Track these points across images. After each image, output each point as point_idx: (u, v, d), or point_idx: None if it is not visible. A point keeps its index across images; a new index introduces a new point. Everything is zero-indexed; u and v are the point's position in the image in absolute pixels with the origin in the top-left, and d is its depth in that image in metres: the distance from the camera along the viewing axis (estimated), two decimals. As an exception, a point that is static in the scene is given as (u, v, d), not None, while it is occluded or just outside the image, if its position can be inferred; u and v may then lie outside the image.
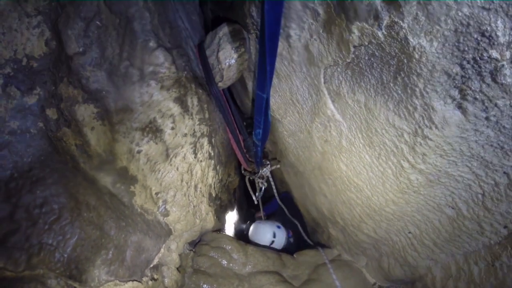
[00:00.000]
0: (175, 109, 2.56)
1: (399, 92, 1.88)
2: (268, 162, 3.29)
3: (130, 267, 2.36)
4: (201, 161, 2.72)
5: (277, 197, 3.77)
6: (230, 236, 3.53)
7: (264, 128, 2.56)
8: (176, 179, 2.60)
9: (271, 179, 3.26)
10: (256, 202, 3.85)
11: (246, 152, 3.16)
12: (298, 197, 4.02)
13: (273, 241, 3.96)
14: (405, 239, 2.83)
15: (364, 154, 2.42)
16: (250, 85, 3.22)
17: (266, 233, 3.92)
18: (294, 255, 3.78)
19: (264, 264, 3.62)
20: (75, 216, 2.13)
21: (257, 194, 3.49)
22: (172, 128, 2.55)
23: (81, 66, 2.32)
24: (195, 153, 2.66)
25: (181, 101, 2.58)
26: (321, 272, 3.72)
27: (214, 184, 2.95)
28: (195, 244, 3.63)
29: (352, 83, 2.18)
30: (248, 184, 3.45)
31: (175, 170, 2.60)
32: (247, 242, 4.12)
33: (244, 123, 3.24)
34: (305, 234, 4.33)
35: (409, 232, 2.74)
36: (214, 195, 3.01)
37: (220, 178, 3.04)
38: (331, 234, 3.62)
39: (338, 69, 2.24)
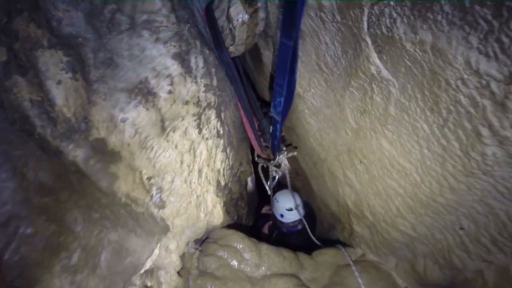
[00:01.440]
0: (174, 67, 1.64)
1: (489, 17, 0.97)
2: (284, 148, 2.39)
3: (106, 276, 1.37)
4: (207, 138, 1.75)
5: (289, 188, 2.78)
6: (241, 233, 2.54)
7: (287, 94, 1.62)
8: (175, 160, 1.62)
9: (287, 167, 2.33)
10: (269, 192, 2.89)
11: (261, 135, 2.26)
12: (315, 190, 3.07)
13: (298, 206, 2.85)
14: (454, 237, 1.83)
15: (421, 124, 1.47)
16: (266, 56, 2.28)
17: (295, 197, 2.81)
18: (313, 254, 2.78)
19: (280, 265, 2.61)
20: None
21: (269, 183, 2.54)
22: (170, 92, 1.62)
23: (52, 3, 1.45)
24: (199, 128, 1.69)
25: (182, 59, 1.65)
26: (344, 274, 2.69)
27: (223, 171, 1.97)
28: (202, 242, 2.67)
29: (413, 18, 1.24)
30: (260, 172, 2.51)
31: (173, 148, 1.63)
32: (260, 238, 3.14)
33: (260, 103, 2.33)
34: (317, 231, 3.34)
35: (461, 228, 1.75)
36: (223, 183, 2.01)
37: (230, 164, 2.10)
38: (354, 231, 2.63)
39: (391, 3, 1.32)
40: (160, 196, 1.63)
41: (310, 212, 3.33)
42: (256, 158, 2.31)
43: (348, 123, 1.82)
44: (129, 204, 1.55)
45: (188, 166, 1.64)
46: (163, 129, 1.59)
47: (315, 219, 3.37)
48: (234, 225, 2.80)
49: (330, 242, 3.06)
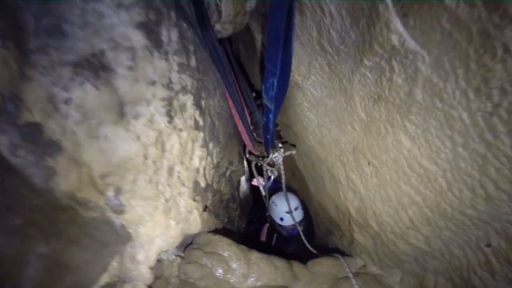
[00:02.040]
0: (138, 39, 1.17)
1: None
2: (280, 145, 1.91)
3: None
4: (180, 130, 1.27)
5: (284, 190, 2.29)
6: (228, 240, 2.06)
7: (281, 73, 1.14)
8: (136, 155, 1.14)
9: (282, 167, 1.85)
10: (263, 193, 2.41)
11: (254, 129, 1.80)
12: (313, 192, 2.58)
13: (296, 208, 2.39)
14: (476, 254, 1.34)
15: (459, 112, 0.98)
16: (259, 40, 1.83)
17: (293, 199, 2.35)
18: (308, 264, 2.29)
19: (271, 276, 2.12)
20: None
21: (263, 184, 2.05)
22: (130, 69, 1.15)
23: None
24: (169, 116, 1.22)
25: (149, 29, 1.17)
26: (342, 288, 2.22)
27: (204, 170, 1.48)
28: (186, 246, 2.20)
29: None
30: (254, 171, 2.03)
31: (134, 140, 1.14)
32: (255, 243, 2.66)
33: (254, 94, 1.86)
34: (312, 238, 2.86)
35: (488, 245, 1.27)
36: (203, 184, 1.52)
37: (215, 162, 1.63)
38: (355, 240, 2.14)
39: None
40: (118, 199, 1.17)
41: (307, 213, 2.86)
42: (247, 155, 1.82)
43: (356, 116, 1.33)
44: (73, 207, 1.08)
45: (154, 163, 1.17)
46: (121, 115, 1.13)
47: (312, 221, 2.88)
48: (223, 230, 2.32)
49: (327, 250, 2.56)
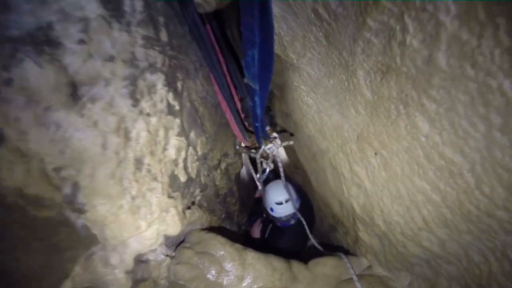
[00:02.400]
0: (92, 8, 0.92)
1: None
2: (275, 135, 1.57)
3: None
4: (148, 115, 1.02)
5: (283, 181, 2.01)
6: (222, 238, 1.81)
7: (262, 41, 0.87)
8: (94, 144, 0.91)
9: (279, 159, 1.57)
10: (259, 187, 2.04)
11: (245, 117, 1.51)
12: (315, 186, 2.30)
13: (287, 200, 2.08)
14: (501, 262, 1.01)
15: (499, 80, 0.68)
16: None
17: (289, 189, 2.01)
18: (309, 264, 2.02)
19: (268, 278, 1.86)
20: None
21: (258, 176, 1.77)
22: (82, 42, 0.91)
23: None
24: (134, 98, 0.97)
25: None
26: (346, 291, 1.94)
27: (184, 162, 1.22)
28: (177, 245, 1.98)
29: None
30: (249, 163, 1.75)
31: (90, 127, 0.90)
32: (251, 239, 2.43)
33: (245, 82, 1.55)
34: (315, 231, 2.55)
35: None
36: (184, 179, 1.24)
37: (200, 153, 1.36)
38: (360, 238, 1.85)
39: None
40: (77, 195, 0.94)
41: (306, 204, 2.53)
42: (237, 147, 1.55)
43: (360, 96, 1.04)
44: (21, 206, 0.87)
45: (116, 154, 0.93)
46: (75, 98, 0.89)
47: (313, 213, 2.55)
48: (217, 228, 2.08)
49: (330, 247, 2.27)
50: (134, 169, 0.97)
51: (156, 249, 1.57)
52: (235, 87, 1.37)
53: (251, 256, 1.77)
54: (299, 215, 2.09)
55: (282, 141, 1.58)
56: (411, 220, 1.30)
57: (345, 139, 1.31)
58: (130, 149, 0.95)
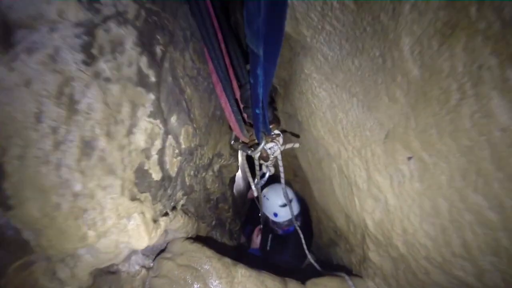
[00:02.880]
0: None
1: None
2: (277, 132, 1.16)
3: None
4: (107, 80, 0.64)
5: (283, 184, 1.64)
6: (209, 250, 1.44)
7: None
8: (23, 113, 0.56)
9: (280, 162, 1.22)
10: (255, 194, 1.65)
11: (244, 108, 1.06)
12: (316, 196, 1.93)
13: (291, 200, 1.80)
14: None
15: None
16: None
17: (287, 191, 1.69)
18: (307, 284, 1.64)
19: (259, 302, 1.49)
20: None
21: (255, 181, 1.39)
22: None
23: None
24: (88, 55, 0.61)
25: None
26: (351, 322, 1.55)
27: (160, 154, 0.83)
28: (157, 254, 1.59)
29: None
30: (245, 164, 1.38)
31: (22, 88, 0.54)
32: (245, 253, 2.04)
33: (247, 68, 1.21)
34: (311, 239, 2.17)
35: None
36: (157, 176, 0.82)
37: (184, 146, 0.97)
38: (369, 259, 1.48)
39: None
40: (1, 183, 0.59)
41: (306, 213, 2.18)
42: (231, 141, 1.20)
43: (401, 75, 0.70)
44: None
45: (55, 131, 0.59)
46: (5, 44, 0.56)
47: (310, 220, 2.20)
48: (205, 238, 1.70)
49: (329, 265, 1.89)
50: (80, 155, 0.62)
51: (130, 259, 1.20)
52: (235, 71, 1.04)
53: (242, 273, 1.39)
54: (297, 225, 1.74)
55: (286, 143, 1.23)
56: (444, 244, 0.95)
57: (366, 140, 0.97)
58: (76, 125, 0.61)
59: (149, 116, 0.73)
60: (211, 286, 1.33)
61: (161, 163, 0.82)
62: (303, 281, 1.58)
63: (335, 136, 1.17)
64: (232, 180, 2.01)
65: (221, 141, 1.45)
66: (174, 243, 1.44)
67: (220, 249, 1.48)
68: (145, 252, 1.39)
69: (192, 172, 1.11)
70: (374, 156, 0.96)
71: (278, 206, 1.82)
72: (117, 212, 0.68)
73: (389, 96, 0.77)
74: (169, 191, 0.90)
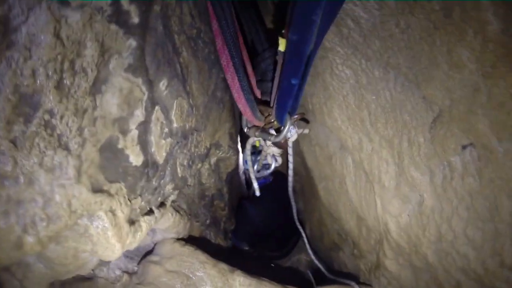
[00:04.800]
0: None
1: None
2: (296, 116, 0.90)
3: None
4: (65, 3, 0.39)
5: (290, 191, 1.43)
6: (203, 254, 1.19)
7: None
8: None
9: (290, 151, 0.98)
10: (257, 193, 1.38)
11: (259, 82, 0.84)
12: (322, 196, 1.69)
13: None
14: None
15: None
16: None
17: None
18: (312, 294, 1.41)
19: (261, 316, 1.26)
20: None
21: (255, 170, 1.11)
22: None
23: None
24: None
25: None
26: None
27: (141, 129, 0.55)
28: (143, 256, 1.33)
29: None
30: (248, 155, 1.12)
31: None
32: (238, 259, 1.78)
33: (265, 34, 0.88)
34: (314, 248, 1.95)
35: None
36: (137, 161, 0.54)
37: (175, 125, 0.69)
38: (384, 267, 1.26)
39: None
40: None
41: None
42: (244, 128, 0.95)
43: (473, 30, 0.49)
44: None
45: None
46: None
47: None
48: (199, 240, 1.45)
49: (330, 271, 1.67)
50: (11, 115, 0.37)
51: (109, 262, 0.95)
52: (245, 35, 0.81)
53: (240, 281, 1.15)
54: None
55: (297, 127, 1.00)
56: (492, 253, 0.75)
57: (403, 126, 0.76)
58: (7, 66, 0.37)
59: (126, 71, 0.49)
60: (204, 297, 1.09)
61: (143, 142, 0.57)
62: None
63: (356, 125, 0.96)
64: (229, 175, 1.77)
65: (220, 129, 1.21)
66: (162, 245, 1.19)
67: (215, 252, 1.23)
68: (129, 254, 1.13)
69: (185, 162, 0.87)
70: (413, 146, 0.75)
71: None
72: (70, 208, 0.44)
73: (451, 62, 0.56)
74: (154, 183, 0.66)
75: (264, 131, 0.87)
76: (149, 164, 0.61)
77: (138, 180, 0.58)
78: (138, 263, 1.16)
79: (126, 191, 0.54)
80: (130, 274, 1.09)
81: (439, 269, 0.93)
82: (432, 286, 1.03)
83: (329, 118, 1.10)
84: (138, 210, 0.61)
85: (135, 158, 0.55)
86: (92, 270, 0.91)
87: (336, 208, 1.45)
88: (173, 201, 1.06)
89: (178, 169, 0.82)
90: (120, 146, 0.51)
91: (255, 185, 1.22)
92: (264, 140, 0.90)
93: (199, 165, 1.06)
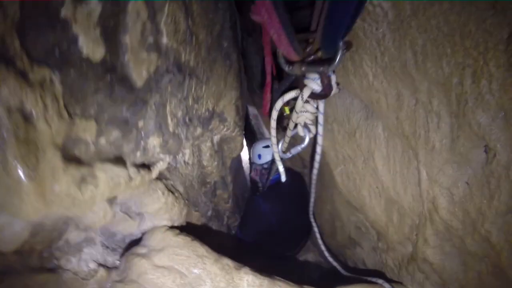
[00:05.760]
0: None
1: None
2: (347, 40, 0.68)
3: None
4: None
5: (315, 173, 1.16)
6: (202, 246, 0.94)
7: None
8: None
9: (322, 108, 0.77)
10: (280, 169, 1.04)
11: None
12: (340, 182, 1.42)
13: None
14: None
15: None
16: None
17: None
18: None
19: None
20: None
21: (281, 146, 0.89)
22: None
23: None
24: None
25: None
26: None
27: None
28: (126, 247, 1.08)
29: None
30: (273, 121, 0.88)
31: None
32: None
33: None
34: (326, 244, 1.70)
35: None
36: (93, 52, 0.30)
37: (170, 41, 0.47)
38: (422, 258, 0.98)
39: None
40: None
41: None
42: (285, 67, 0.71)
43: None
44: None
45: None
46: None
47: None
48: (198, 228, 1.20)
49: (348, 268, 1.42)
50: None
51: (81, 251, 0.72)
52: None
53: (248, 281, 0.90)
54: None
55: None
56: None
57: (464, 56, 0.56)
58: None
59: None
60: (204, 299, 0.84)
61: (108, 32, 0.35)
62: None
63: (395, 74, 0.76)
64: (234, 162, 1.55)
65: (226, 95, 1.00)
66: (151, 234, 0.94)
67: (218, 244, 0.99)
68: (107, 242, 0.89)
69: (180, 113, 0.65)
70: (481, 79, 0.55)
71: (261, 147, 1.78)
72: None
73: None
74: (123, 108, 0.43)
75: (312, 63, 0.66)
76: (116, 70, 0.38)
77: (88, 82, 0.33)
78: (121, 256, 0.91)
79: (62, 89, 0.31)
80: (109, 268, 0.84)
81: (505, 252, 0.72)
82: (487, 278, 0.81)
83: (355, 77, 0.90)
84: (92, 147, 0.38)
85: (88, 44, 0.32)
86: (56, 259, 0.68)
87: (357, 194, 1.23)
88: (166, 179, 0.83)
89: (169, 118, 0.60)
90: (63, 13, 0.29)
91: (281, 168, 1.01)
92: (301, 97, 0.70)
93: (199, 130, 0.84)
